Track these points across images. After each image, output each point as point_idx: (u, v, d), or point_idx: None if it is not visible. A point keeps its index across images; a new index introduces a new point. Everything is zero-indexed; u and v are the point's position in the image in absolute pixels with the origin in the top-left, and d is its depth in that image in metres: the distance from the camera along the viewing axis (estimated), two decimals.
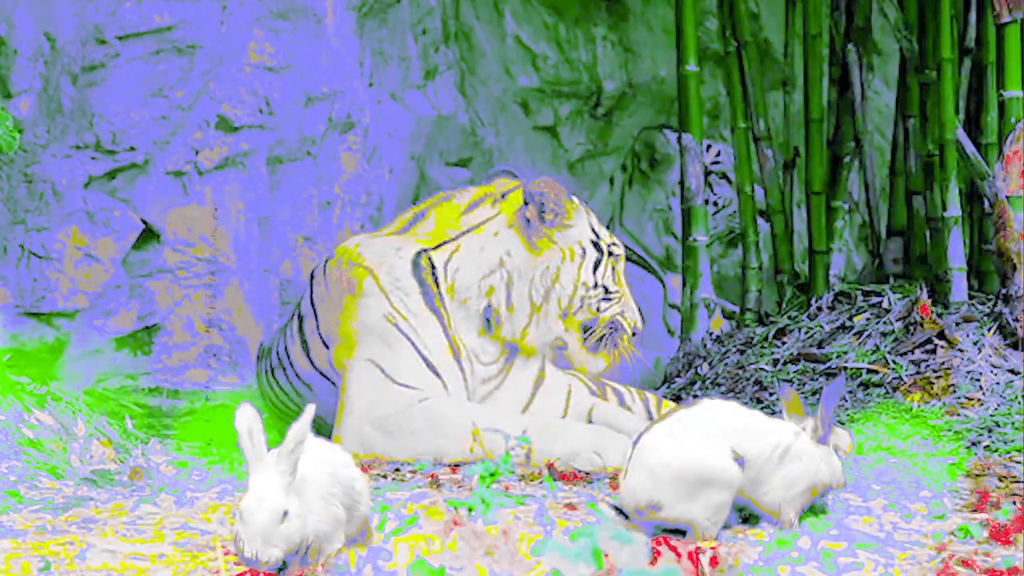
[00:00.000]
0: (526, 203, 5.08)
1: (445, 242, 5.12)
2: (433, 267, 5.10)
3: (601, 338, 5.11)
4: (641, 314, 5.27)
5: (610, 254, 5.13)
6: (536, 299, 5.08)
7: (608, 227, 8.24)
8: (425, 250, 5.11)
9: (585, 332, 5.12)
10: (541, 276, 5.09)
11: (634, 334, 5.17)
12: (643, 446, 3.66)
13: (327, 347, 5.15)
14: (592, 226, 5.16)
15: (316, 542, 3.36)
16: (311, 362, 5.22)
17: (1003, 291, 6.10)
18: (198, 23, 6.46)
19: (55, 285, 6.31)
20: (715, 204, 7.94)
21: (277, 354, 5.40)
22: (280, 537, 3.27)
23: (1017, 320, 5.99)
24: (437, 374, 5.01)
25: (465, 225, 5.13)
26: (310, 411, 3.36)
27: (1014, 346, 5.96)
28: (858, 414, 5.68)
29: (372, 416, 4.90)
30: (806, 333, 6.54)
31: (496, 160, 8.00)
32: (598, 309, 5.11)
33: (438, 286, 5.08)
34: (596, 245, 5.13)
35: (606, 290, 5.12)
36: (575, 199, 5.21)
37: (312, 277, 5.34)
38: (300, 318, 5.31)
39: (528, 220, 5.08)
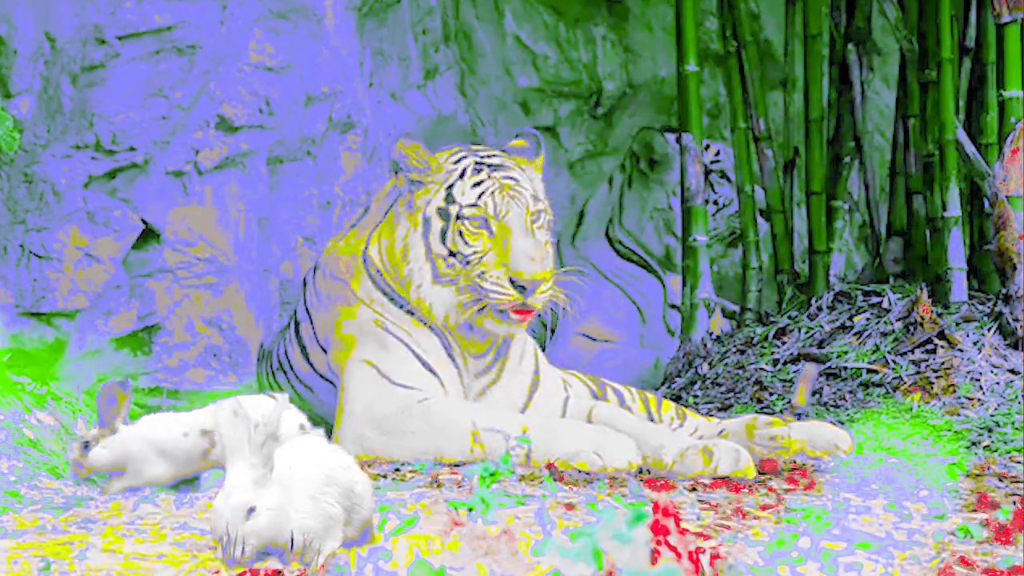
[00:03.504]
0: (396, 174, 5.04)
1: (373, 230, 5.12)
2: (379, 271, 5.08)
3: (484, 307, 4.96)
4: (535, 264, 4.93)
5: (458, 217, 4.98)
6: (406, 273, 5.03)
7: (608, 227, 8.26)
8: (365, 248, 5.12)
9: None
10: (401, 251, 5.03)
11: (518, 286, 4.90)
12: None
13: (325, 351, 5.16)
14: (452, 187, 5.01)
15: (308, 539, 3.37)
16: (311, 365, 5.23)
17: (1003, 291, 6.10)
18: (198, 23, 6.45)
19: (55, 285, 6.31)
20: (715, 203, 7.94)
21: (277, 357, 5.41)
22: (247, 533, 3.30)
23: (1017, 320, 5.99)
24: (434, 373, 5.01)
25: (385, 207, 5.14)
26: (281, 403, 3.40)
27: (1014, 346, 5.96)
28: (858, 414, 5.68)
29: (371, 417, 4.90)
30: (806, 333, 6.54)
31: None
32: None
33: (388, 285, 5.06)
34: (443, 212, 5.00)
35: (461, 255, 4.97)
36: (468, 152, 5.08)
37: (305, 283, 5.36)
38: (297, 323, 5.33)
39: (402, 193, 5.05)
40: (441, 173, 5.03)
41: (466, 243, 4.96)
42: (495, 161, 5.07)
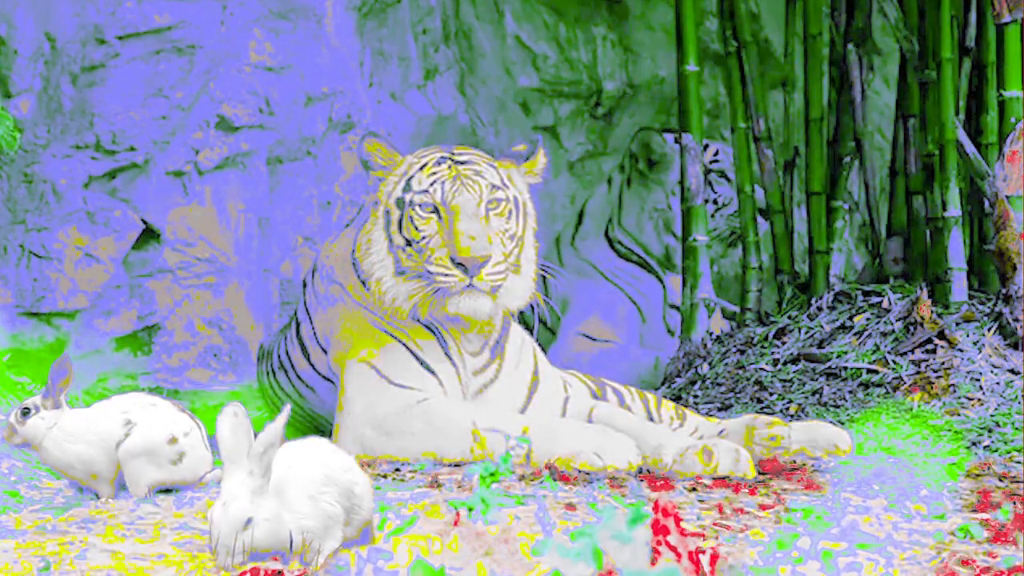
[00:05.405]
0: (368, 170, 5.06)
1: (358, 232, 5.11)
2: (363, 271, 5.07)
3: (437, 290, 4.92)
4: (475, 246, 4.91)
5: (410, 204, 4.98)
6: (369, 269, 5.03)
7: (608, 227, 8.26)
8: (352, 251, 5.11)
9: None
10: (366, 246, 5.04)
11: (459, 264, 4.88)
12: None
13: (325, 352, 5.16)
14: (411, 178, 5.00)
15: (308, 539, 3.37)
16: (312, 366, 5.24)
17: (1003, 291, 6.10)
18: (198, 23, 6.46)
19: (55, 285, 6.31)
20: (715, 203, 7.94)
21: (278, 357, 5.41)
22: (244, 544, 3.32)
23: (1017, 320, 5.99)
24: (432, 373, 5.01)
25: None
26: (284, 414, 3.40)
27: (1014, 346, 5.96)
28: (858, 414, 5.68)
29: (371, 417, 4.90)
30: (806, 333, 6.54)
31: None
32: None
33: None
34: (400, 202, 4.99)
35: (415, 243, 4.94)
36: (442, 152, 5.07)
37: (304, 284, 5.36)
38: (298, 324, 5.33)
39: (372, 191, 5.05)
40: (403, 166, 5.04)
41: (417, 229, 4.95)
42: (463, 158, 5.07)
